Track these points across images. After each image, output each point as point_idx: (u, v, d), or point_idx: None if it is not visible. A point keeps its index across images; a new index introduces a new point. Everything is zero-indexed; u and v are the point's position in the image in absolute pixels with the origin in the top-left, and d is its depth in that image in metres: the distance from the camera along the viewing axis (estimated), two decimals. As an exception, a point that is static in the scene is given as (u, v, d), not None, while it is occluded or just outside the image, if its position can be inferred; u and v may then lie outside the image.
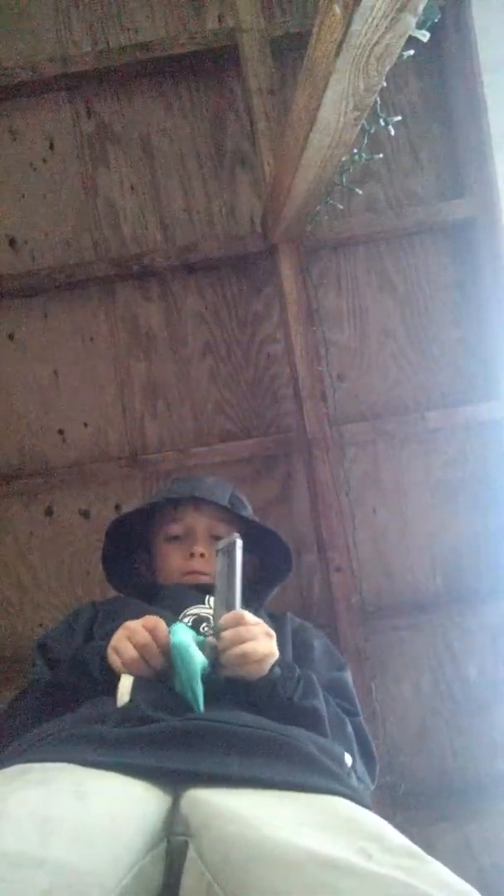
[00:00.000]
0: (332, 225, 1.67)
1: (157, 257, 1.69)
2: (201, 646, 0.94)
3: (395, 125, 1.21)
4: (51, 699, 1.00)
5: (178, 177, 1.77)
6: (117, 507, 1.75)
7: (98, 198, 1.77)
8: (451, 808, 1.66)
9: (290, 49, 1.70)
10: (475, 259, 1.70)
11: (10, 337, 1.76)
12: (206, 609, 1.11)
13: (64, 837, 0.63)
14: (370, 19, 0.74)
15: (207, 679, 0.92)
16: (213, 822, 0.69)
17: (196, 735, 0.80)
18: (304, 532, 1.73)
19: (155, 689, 0.91)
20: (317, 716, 0.96)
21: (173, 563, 1.25)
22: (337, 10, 0.74)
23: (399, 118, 1.25)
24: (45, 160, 1.77)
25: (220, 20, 1.74)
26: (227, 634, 0.93)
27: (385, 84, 0.91)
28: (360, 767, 1.04)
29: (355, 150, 1.24)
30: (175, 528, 1.27)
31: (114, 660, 0.95)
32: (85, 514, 1.75)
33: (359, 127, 1.02)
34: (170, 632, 0.94)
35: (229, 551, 1.03)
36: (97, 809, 0.68)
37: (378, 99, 1.01)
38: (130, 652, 0.93)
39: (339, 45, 0.78)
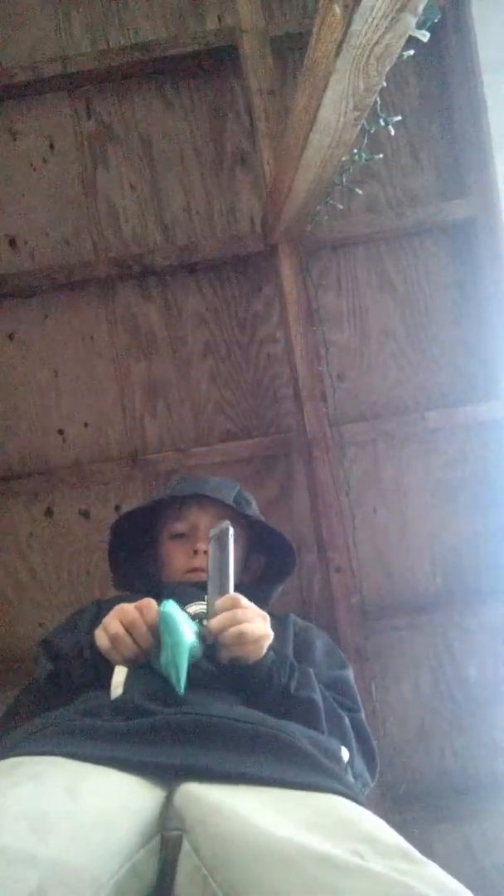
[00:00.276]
0: (332, 225, 1.67)
1: (157, 257, 1.69)
2: (198, 634, 0.94)
3: (395, 125, 1.21)
4: (50, 694, 1.00)
5: (178, 177, 1.77)
6: (117, 508, 1.75)
7: (98, 198, 1.77)
8: (451, 808, 1.66)
9: (290, 49, 1.70)
10: (475, 259, 1.70)
11: (10, 337, 1.76)
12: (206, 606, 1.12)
13: (56, 833, 0.63)
14: (370, 19, 0.73)
15: (202, 669, 0.92)
16: (209, 819, 0.69)
17: (189, 730, 0.80)
18: (304, 532, 1.73)
19: (149, 680, 0.92)
20: (313, 707, 0.96)
21: (177, 560, 1.25)
22: (337, 10, 0.74)
23: (399, 118, 1.25)
24: (45, 160, 1.77)
25: (220, 20, 1.74)
26: (223, 616, 0.94)
27: (385, 84, 0.91)
28: (360, 765, 1.04)
29: (355, 150, 1.24)
30: (179, 526, 1.27)
31: (101, 639, 0.95)
32: (85, 514, 1.75)
33: (359, 127, 1.02)
34: (160, 606, 0.94)
35: (221, 538, 1.03)
36: (90, 804, 0.69)
37: (378, 99, 1.01)
38: (116, 628, 0.93)
39: (339, 45, 0.78)
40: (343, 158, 1.16)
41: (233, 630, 0.92)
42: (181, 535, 1.27)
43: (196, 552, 1.23)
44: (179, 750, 0.78)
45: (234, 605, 0.95)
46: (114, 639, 0.93)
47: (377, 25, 0.75)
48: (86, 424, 1.76)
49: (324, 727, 0.96)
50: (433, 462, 1.75)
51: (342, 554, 1.60)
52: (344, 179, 1.35)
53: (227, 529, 1.04)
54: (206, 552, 1.23)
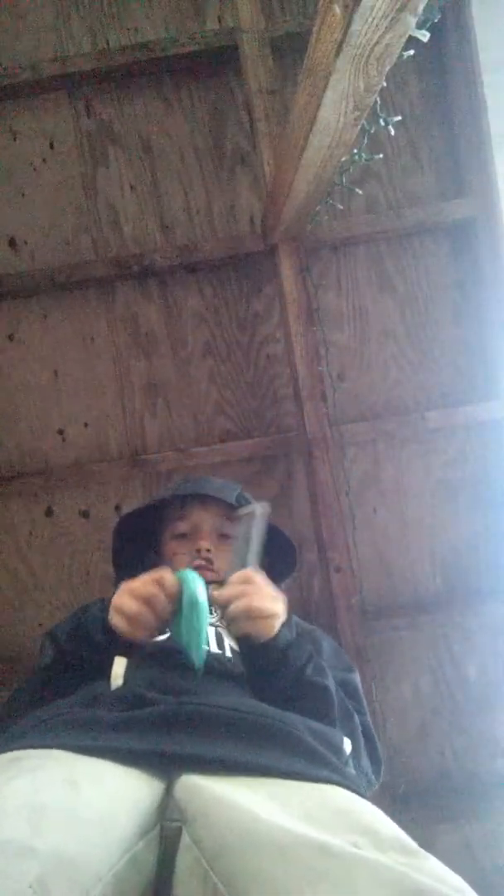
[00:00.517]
0: (332, 225, 1.67)
1: (157, 257, 1.69)
2: (211, 604, 0.95)
3: (395, 125, 1.21)
4: (50, 685, 1.00)
5: (178, 177, 1.77)
6: (117, 508, 1.75)
7: (98, 198, 1.77)
8: (451, 808, 1.66)
9: (290, 49, 1.70)
10: (475, 259, 1.70)
11: (10, 337, 1.76)
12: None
13: (55, 826, 0.63)
14: (370, 19, 0.73)
15: (211, 654, 0.92)
16: (208, 809, 0.69)
17: (189, 720, 0.80)
18: (304, 532, 1.72)
19: (149, 669, 0.92)
20: (326, 694, 0.95)
21: (179, 559, 1.25)
22: (337, 10, 0.74)
23: (399, 118, 1.25)
24: (45, 160, 1.77)
25: (220, 20, 1.74)
26: (233, 588, 0.93)
27: (385, 84, 0.91)
28: (366, 763, 1.04)
29: (355, 150, 1.24)
30: (182, 526, 1.28)
31: (117, 619, 0.93)
32: (85, 514, 1.75)
33: (359, 127, 1.02)
34: (178, 577, 0.93)
35: (251, 517, 1.04)
36: (89, 797, 0.69)
37: (378, 99, 1.01)
38: (133, 604, 0.91)
39: (339, 45, 0.78)
40: (343, 158, 1.16)
41: (241, 603, 0.92)
42: (183, 535, 1.27)
43: (198, 551, 1.23)
44: (179, 740, 0.78)
45: (247, 580, 0.95)
46: (134, 616, 0.91)
47: (377, 25, 0.75)
48: (86, 424, 1.76)
49: (335, 716, 0.95)
50: (433, 462, 1.75)
51: (342, 554, 1.60)
52: (344, 179, 1.35)
53: (256, 510, 1.05)
54: (207, 551, 1.23)
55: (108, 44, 1.75)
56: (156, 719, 0.80)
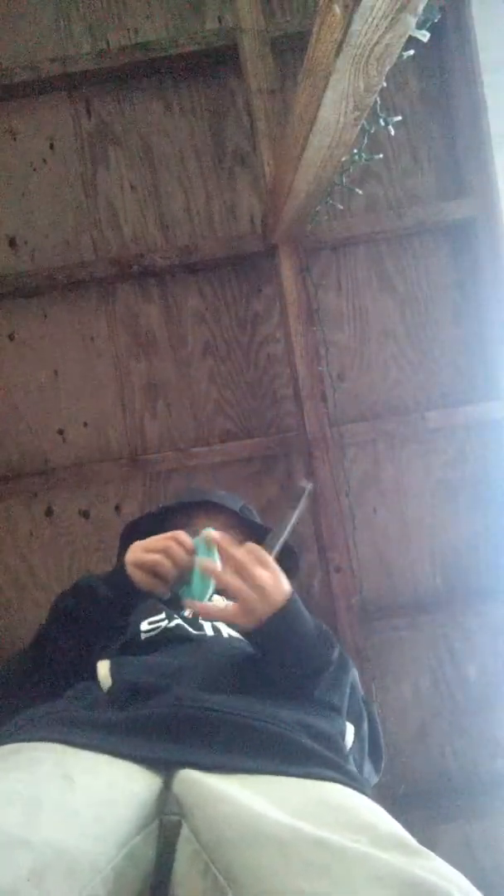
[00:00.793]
0: (332, 225, 1.67)
1: (157, 257, 1.69)
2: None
3: (395, 125, 1.21)
4: (35, 662, 1.01)
5: (178, 177, 1.77)
6: (117, 508, 1.75)
7: (98, 198, 1.77)
8: (451, 808, 1.66)
9: (290, 49, 1.70)
10: (475, 259, 1.70)
11: (10, 337, 1.76)
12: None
13: (51, 818, 0.63)
14: (370, 19, 0.73)
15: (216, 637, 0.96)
16: (206, 803, 0.69)
17: (184, 722, 0.80)
18: (304, 532, 1.72)
19: (134, 663, 0.92)
20: (347, 663, 0.97)
21: None
22: (337, 10, 0.74)
23: (399, 118, 1.25)
24: (45, 160, 1.77)
25: (220, 20, 1.74)
26: (229, 553, 0.94)
27: (385, 84, 0.91)
28: (368, 764, 1.04)
29: (355, 150, 1.24)
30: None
31: (138, 576, 0.96)
32: (85, 514, 1.75)
33: (359, 127, 1.02)
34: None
35: (302, 493, 1.09)
36: (86, 790, 0.69)
37: (378, 99, 1.01)
38: (152, 556, 0.95)
39: (339, 45, 0.78)
40: (343, 158, 1.16)
41: (235, 565, 0.93)
42: None
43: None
44: (173, 744, 0.78)
45: (251, 552, 0.94)
46: (153, 565, 0.94)
47: (377, 25, 0.75)
48: (86, 424, 1.76)
49: (346, 685, 0.96)
50: (433, 462, 1.75)
51: (342, 554, 1.60)
52: (344, 179, 1.34)
53: (308, 486, 1.09)
54: None
55: (108, 44, 1.75)
56: (150, 722, 0.80)
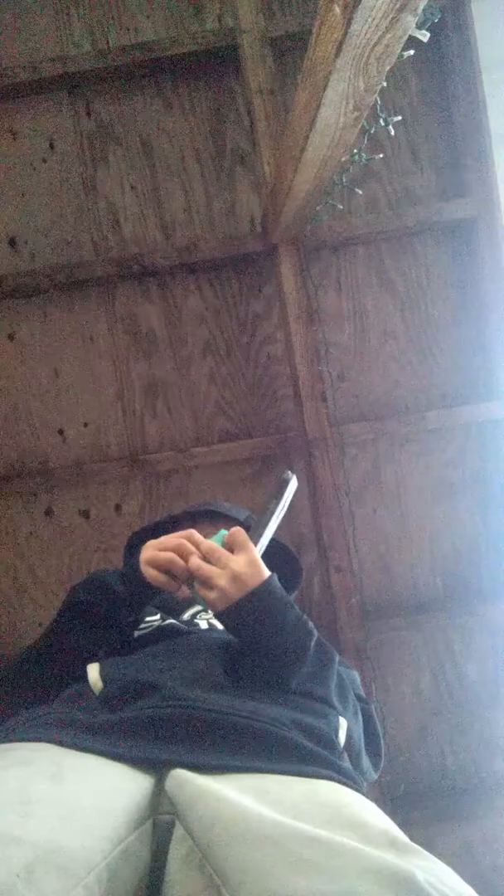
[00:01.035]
0: (332, 225, 1.67)
1: (157, 257, 1.69)
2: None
3: (395, 125, 1.21)
4: (37, 660, 1.02)
5: (178, 177, 1.77)
6: (117, 507, 1.75)
7: (98, 198, 1.77)
8: (451, 808, 1.66)
9: (290, 49, 1.70)
10: (475, 259, 1.70)
11: (10, 337, 1.76)
12: (208, 614, 1.12)
13: (42, 816, 0.63)
14: (370, 19, 0.73)
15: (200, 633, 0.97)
16: (198, 802, 0.69)
17: (175, 722, 0.80)
18: (304, 532, 1.73)
19: (123, 666, 0.92)
20: (329, 651, 0.97)
21: None
22: (337, 10, 0.74)
23: (399, 118, 1.25)
24: (45, 160, 1.77)
25: (220, 20, 1.74)
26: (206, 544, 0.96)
27: (385, 84, 0.91)
28: (366, 761, 1.04)
29: (355, 150, 1.24)
30: None
31: (152, 574, 0.97)
32: (85, 514, 1.75)
33: (359, 127, 1.02)
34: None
35: (286, 483, 1.07)
36: (78, 789, 0.69)
37: (378, 99, 1.01)
38: (165, 555, 0.96)
39: (339, 45, 0.78)
40: (343, 158, 1.16)
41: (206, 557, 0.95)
42: None
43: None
44: (164, 744, 0.78)
45: (233, 538, 0.96)
46: (166, 564, 0.95)
47: (377, 25, 0.75)
48: (86, 424, 1.76)
49: (330, 678, 0.96)
50: (433, 462, 1.75)
51: (342, 554, 1.60)
52: (344, 179, 1.35)
53: (292, 477, 1.08)
54: None
55: (108, 44, 1.75)
56: (143, 723, 0.80)
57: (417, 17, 0.76)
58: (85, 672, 0.94)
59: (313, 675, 0.95)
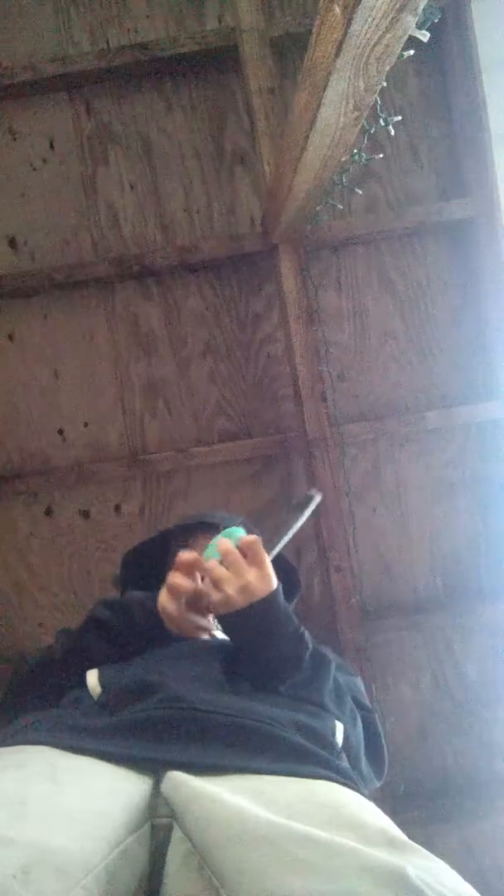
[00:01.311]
0: (332, 225, 1.67)
1: (157, 257, 1.69)
2: None
3: (395, 125, 1.21)
4: (64, 668, 1.02)
5: (178, 176, 1.77)
6: (117, 508, 1.75)
7: (98, 198, 1.77)
8: (451, 808, 1.66)
9: (290, 49, 1.70)
10: (475, 259, 1.70)
11: (10, 337, 1.76)
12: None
13: (38, 818, 0.63)
14: (370, 19, 0.73)
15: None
16: (194, 804, 0.69)
17: (172, 723, 0.80)
18: (304, 532, 1.72)
19: (122, 670, 0.93)
20: (325, 660, 0.98)
21: None
22: (337, 10, 0.74)
23: (399, 118, 1.25)
24: (45, 160, 1.77)
25: (220, 20, 1.74)
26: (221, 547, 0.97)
27: (385, 84, 0.91)
28: (366, 767, 1.04)
29: (355, 150, 1.24)
30: None
31: (171, 626, 0.99)
32: (85, 514, 1.75)
33: (359, 127, 1.02)
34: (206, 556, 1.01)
35: (309, 501, 1.09)
36: (74, 789, 0.69)
37: (378, 99, 1.01)
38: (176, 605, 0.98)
39: (339, 45, 0.78)
40: (343, 158, 1.16)
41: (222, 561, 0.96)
42: None
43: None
44: (160, 745, 0.78)
45: (249, 546, 0.96)
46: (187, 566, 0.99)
47: (377, 25, 0.75)
48: (86, 424, 1.76)
49: (325, 682, 0.96)
50: (433, 462, 1.75)
51: (342, 554, 1.60)
52: (344, 179, 1.35)
53: (317, 496, 1.11)
54: None
55: (108, 44, 1.75)
56: (140, 725, 0.80)
57: (417, 17, 0.76)
58: (84, 678, 0.95)
59: (307, 682, 0.96)
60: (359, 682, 1.15)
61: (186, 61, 1.72)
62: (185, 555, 1.00)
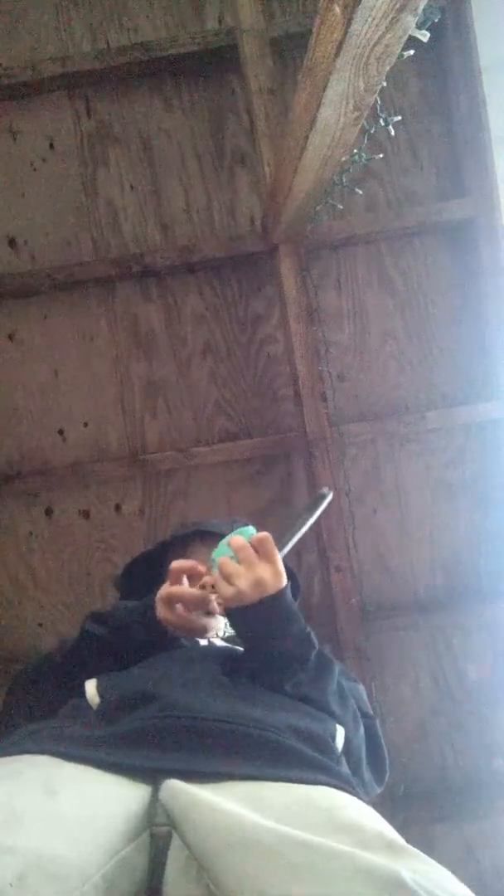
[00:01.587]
0: (332, 225, 1.67)
1: (157, 257, 1.69)
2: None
3: (395, 125, 1.21)
4: (65, 673, 1.03)
5: (178, 176, 1.77)
6: (117, 507, 1.75)
7: (98, 198, 1.77)
8: (451, 808, 1.66)
9: (290, 49, 1.70)
10: (475, 259, 1.70)
11: (10, 337, 1.76)
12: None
13: (33, 825, 0.63)
14: (370, 19, 0.73)
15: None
16: (192, 812, 0.69)
17: (170, 731, 0.80)
18: (304, 532, 1.72)
19: (120, 679, 0.93)
20: (330, 663, 0.98)
21: None
22: (337, 10, 0.74)
23: (399, 118, 1.25)
24: (45, 160, 1.77)
25: (220, 20, 1.74)
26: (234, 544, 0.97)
27: (385, 84, 0.91)
28: (367, 773, 1.04)
29: (355, 150, 1.24)
30: None
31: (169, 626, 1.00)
32: (85, 514, 1.75)
33: (359, 127, 1.02)
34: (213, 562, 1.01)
35: (322, 499, 1.10)
36: (71, 798, 0.69)
37: (378, 99, 1.01)
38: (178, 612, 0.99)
39: (339, 45, 0.78)
40: (343, 158, 1.16)
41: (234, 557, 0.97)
42: None
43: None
44: (158, 753, 0.77)
45: (260, 542, 0.97)
46: (190, 568, 1.00)
47: (377, 25, 0.75)
48: (86, 424, 1.76)
49: (327, 683, 0.97)
50: (433, 462, 1.75)
51: (342, 554, 1.60)
52: (344, 179, 1.34)
53: (329, 494, 1.11)
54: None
55: (108, 44, 1.75)
56: (137, 734, 0.80)
57: (417, 17, 0.76)
58: (83, 688, 0.95)
59: (311, 681, 0.96)
60: (361, 689, 1.14)
61: (186, 61, 1.73)
62: (177, 563, 1.02)
